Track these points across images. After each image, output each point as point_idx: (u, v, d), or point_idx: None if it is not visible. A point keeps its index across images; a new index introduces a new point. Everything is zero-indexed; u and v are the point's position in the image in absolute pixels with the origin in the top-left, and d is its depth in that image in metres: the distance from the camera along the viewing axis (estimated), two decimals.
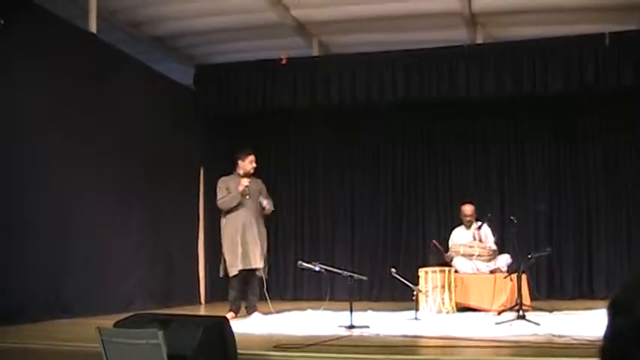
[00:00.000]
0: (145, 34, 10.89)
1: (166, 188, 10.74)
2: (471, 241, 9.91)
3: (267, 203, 8.86)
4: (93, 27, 9.29)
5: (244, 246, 8.62)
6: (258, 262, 8.67)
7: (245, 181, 8.70)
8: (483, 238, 9.87)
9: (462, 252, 9.79)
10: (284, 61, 11.08)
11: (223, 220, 8.85)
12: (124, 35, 10.50)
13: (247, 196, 8.75)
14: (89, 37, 9.23)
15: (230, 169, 9.06)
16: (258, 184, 9.02)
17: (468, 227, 10.09)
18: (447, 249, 10.04)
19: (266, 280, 8.82)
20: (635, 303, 1.17)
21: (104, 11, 9.64)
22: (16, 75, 7.88)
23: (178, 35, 11.13)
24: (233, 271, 8.62)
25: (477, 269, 9.66)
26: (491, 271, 9.58)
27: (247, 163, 8.83)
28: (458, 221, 10.36)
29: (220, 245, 8.86)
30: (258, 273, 8.74)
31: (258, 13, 10.20)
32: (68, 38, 8.75)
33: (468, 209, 10.13)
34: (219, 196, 8.82)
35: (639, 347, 1.15)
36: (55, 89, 8.43)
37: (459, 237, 10.12)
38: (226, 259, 8.70)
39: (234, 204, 8.72)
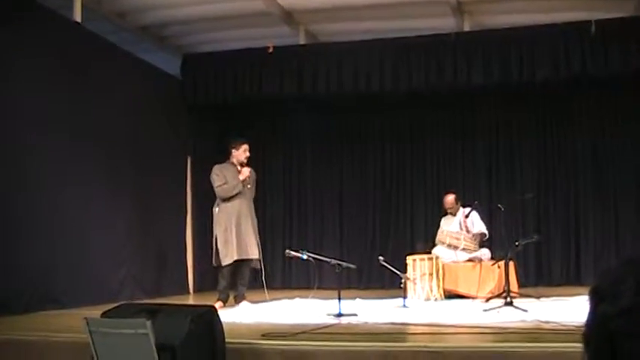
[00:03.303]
0: (132, 24, 10.83)
1: (154, 178, 10.71)
2: (459, 231, 9.94)
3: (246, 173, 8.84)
4: (78, 16, 9.23)
5: (239, 236, 8.57)
6: (252, 253, 8.63)
7: (246, 171, 8.72)
8: (469, 226, 9.91)
9: (447, 242, 9.83)
10: (271, 50, 11.05)
11: (216, 209, 8.78)
12: (110, 25, 10.44)
13: (248, 185, 8.75)
14: (74, 27, 9.17)
15: (217, 158, 9.03)
16: (253, 174, 9.01)
17: (453, 215, 10.17)
18: (433, 242, 10.12)
19: (264, 268, 8.84)
20: (621, 290, 1.17)
21: (89, 1, 9.57)
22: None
23: (165, 24, 11.08)
24: (227, 261, 8.55)
25: (457, 257, 9.72)
26: (470, 260, 9.63)
27: (241, 153, 8.81)
28: (444, 211, 10.40)
29: (211, 234, 8.81)
30: (253, 264, 8.72)
31: (245, 2, 10.17)
32: (52, 27, 8.69)
33: (448, 200, 10.22)
34: (217, 183, 8.71)
35: (626, 334, 1.15)
36: (39, 81, 8.37)
37: (447, 224, 10.17)
38: (219, 248, 8.62)
39: (235, 192, 8.67)
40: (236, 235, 8.57)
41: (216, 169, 8.82)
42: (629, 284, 1.16)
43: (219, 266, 8.67)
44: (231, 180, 8.67)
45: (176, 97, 11.47)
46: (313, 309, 8.05)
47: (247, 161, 8.86)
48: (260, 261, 8.76)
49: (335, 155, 12.62)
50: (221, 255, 8.61)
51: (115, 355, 4.53)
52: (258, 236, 8.86)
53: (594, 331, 1.19)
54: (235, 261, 8.57)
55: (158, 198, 10.87)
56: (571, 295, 8.50)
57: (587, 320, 1.21)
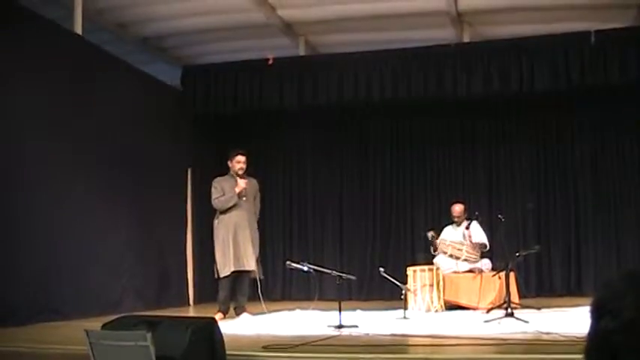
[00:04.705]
0: (132, 35, 10.86)
1: (154, 189, 10.70)
2: (461, 241, 9.92)
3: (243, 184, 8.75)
4: (78, 28, 9.25)
5: (236, 247, 8.56)
6: (250, 264, 8.61)
7: (242, 183, 8.68)
8: (473, 235, 9.91)
9: (449, 252, 9.81)
10: (271, 62, 11.07)
11: (216, 221, 8.79)
12: (110, 36, 10.47)
13: (244, 198, 8.73)
14: (74, 39, 9.18)
15: (217, 170, 9.03)
16: (254, 185, 9.00)
17: (458, 225, 10.15)
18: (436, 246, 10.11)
19: (261, 281, 8.79)
20: (621, 305, 1.17)
21: (90, 12, 9.60)
22: (0, 77, 7.84)
23: (165, 36, 11.11)
24: (225, 272, 8.55)
25: (457, 267, 9.70)
26: (471, 270, 9.62)
27: (235, 163, 8.79)
28: (447, 220, 10.38)
29: (212, 246, 8.82)
30: (252, 275, 8.70)
31: (245, 13, 10.20)
32: (53, 39, 8.70)
33: (457, 209, 10.20)
34: (214, 195, 8.74)
35: (627, 349, 1.14)
36: (40, 91, 8.37)
37: (449, 234, 10.15)
38: (217, 260, 8.64)
39: (231, 205, 8.66)
40: (233, 247, 8.56)
41: (215, 182, 8.84)
42: (631, 299, 1.15)
43: (219, 278, 8.67)
44: (228, 192, 8.67)
45: (176, 108, 11.46)
46: (314, 320, 8.04)
47: (244, 172, 8.80)
48: (257, 273, 8.72)
49: (335, 166, 12.62)
50: (219, 266, 8.62)
51: None
52: (257, 248, 8.85)
53: (596, 345, 1.18)
54: (234, 272, 8.56)
55: (158, 209, 10.85)
56: (572, 306, 8.48)
57: (589, 334, 1.21)
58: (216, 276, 8.74)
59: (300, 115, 12.07)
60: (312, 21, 10.67)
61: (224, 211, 8.70)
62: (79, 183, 8.99)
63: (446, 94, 10.63)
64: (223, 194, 8.68)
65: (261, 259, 9.00)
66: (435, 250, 9.98)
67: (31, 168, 8.14)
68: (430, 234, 9.99)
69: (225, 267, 8.55)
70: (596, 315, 1.20)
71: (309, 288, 11.10)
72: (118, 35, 10.65)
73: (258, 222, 9.16)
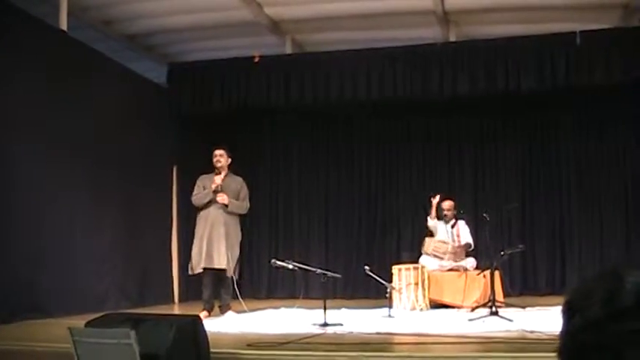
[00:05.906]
0: (118, 32, 10.82)
1: (140, 187, 10.66)
2: (445, 240, 9.93)
3: (225, 200, 8.61)
4: (63, 24, 9.21)
5: (209, 245, 8.50)
6: (222, 262, 8.49)
7: (218, 179, 8.65)
8: (461, 234, 9.95)
9: (433, 253, 9.83)
10: (257, 59, 11.06)
11: (198, 218, 8.81)
12: (96, 33, 10.42)
13: (219, 190, 8.67)
14: (59, 35, 9.14)
15: (203, 168, 9.02)
16: (237, 182, 8.91)
17: (447, 222, 10.18)
18: (419, 248, 10.13)
19: (237, 281, 8.75)
20: (588, 304, 1.18)
21: (75, 9, 9.56)
22: None
23: (151, 33, 11.08)
24: (197, 269, 8.55)
25: (441, 266, 9.73)
26: (456, 269, 9.64)
27: (213, 157, 8.78)
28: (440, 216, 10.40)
29: (192, 242, 8.83)
30: (227, 273, 8.64)
31: (232, 11, 10.18)
32: (38, 35, 8.64)
33: (446, 204, 10.21)
34: (194, 192, 8.77)
35: (595, 349, 1.15)
36: (25, 88, 8.32)
37: (438, 229, 10.15)
38: (192, 256, 8.64)
39: (206, 201, 8.63)
40: (207, 244, 8.51)
41: (199, 179, 8.84)
42: (598, 296, 1.16)
43: (194, 275, 8.66)
44: (207, 188, 8.66)
45: (162, 106, 11.43)
46: (299, 319, 8.04)
47: (227, 167, 8.74)
48: (233, 271, 8.67)
49: (321, 164, 12.62)
50: (194, 262, 8.60)
51: None
52: (236, 248, 8.74)
53: (567, 345, 1.19)
54: (205, 269, 8.53)
55: (144, 207, 10.82)
56: (556, 305, 8.48)
57: (561, 334, 1.22)
58: (189, 272, 8.73)
59: (287, 113, 12.07)
60: (299, 19, 10.67)
61: (203, 208, 8.69)
62: (64, 182, 8.93)
63: (432, 93, 10.66)
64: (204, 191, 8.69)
65: (246, 258, 8.96)
66: (428, 215, 10.13)
67: (16, 167, 8.09)
68: (435, 200, 10.06)
69: (198, 264, 8.54)
70: (568, 314, 1.21)
71: (295, 286, 11.11)
72: (104, 33, 10.60)
73: (245, 215, 9.12)
